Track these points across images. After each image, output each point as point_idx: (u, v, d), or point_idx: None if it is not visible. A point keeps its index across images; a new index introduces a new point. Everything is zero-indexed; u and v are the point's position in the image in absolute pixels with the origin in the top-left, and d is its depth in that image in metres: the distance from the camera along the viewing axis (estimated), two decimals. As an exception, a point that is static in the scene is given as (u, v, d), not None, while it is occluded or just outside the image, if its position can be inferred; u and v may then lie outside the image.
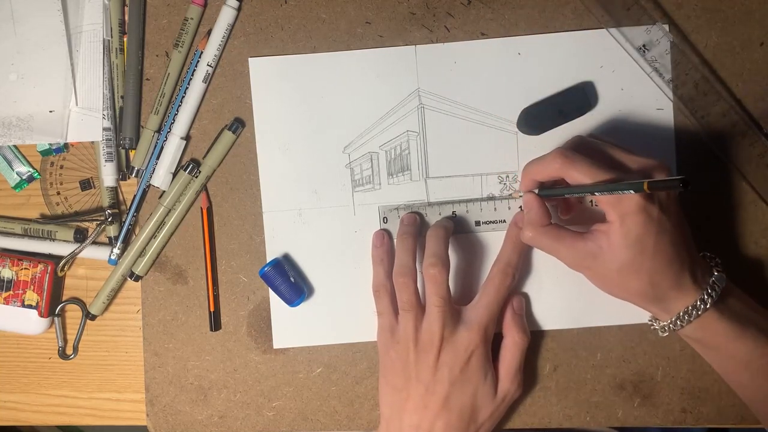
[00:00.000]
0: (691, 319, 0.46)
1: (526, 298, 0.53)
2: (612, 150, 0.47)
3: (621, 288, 0.47)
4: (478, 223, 0.53)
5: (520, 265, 0.51)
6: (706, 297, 0.46)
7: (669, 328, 0.47)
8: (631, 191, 0.42)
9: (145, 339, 0.55)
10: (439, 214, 0.53)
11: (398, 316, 0.50)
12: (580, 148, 0.47)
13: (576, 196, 0.49)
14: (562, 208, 0.52)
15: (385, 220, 0.54)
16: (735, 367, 0.48)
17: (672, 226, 0.45)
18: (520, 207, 0.53)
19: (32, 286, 0.54)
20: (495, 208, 0.53)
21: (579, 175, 0.45)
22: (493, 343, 0.50)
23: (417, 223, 0.52)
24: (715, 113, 0.51)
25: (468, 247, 0.53)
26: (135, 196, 0.54)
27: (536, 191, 0.49)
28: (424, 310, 0.49)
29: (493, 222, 0.53)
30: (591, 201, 0.52)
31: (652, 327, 0.50)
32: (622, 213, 0.44)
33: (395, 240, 0.53)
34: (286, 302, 0.53)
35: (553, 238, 0.47)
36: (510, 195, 0.53)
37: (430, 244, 0.50)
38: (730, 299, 0.47)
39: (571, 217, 0.52)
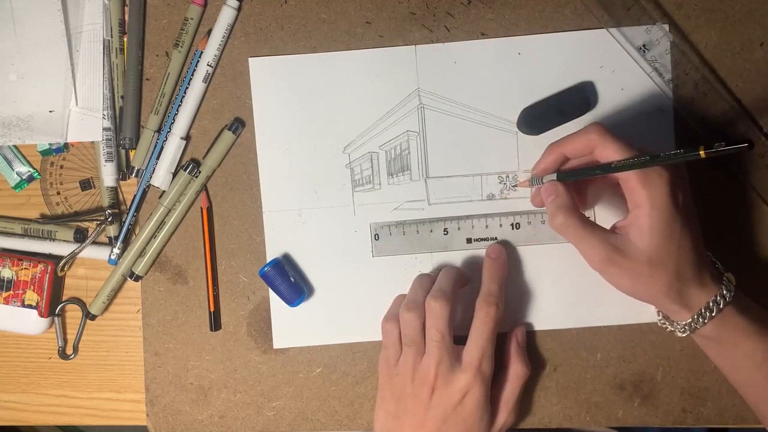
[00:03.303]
0: (713, 314, 0.45)
1: (527, 297, 0.53)
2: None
3: (649, 282, 0.45)
4: (469, 241, 0.53)
5: (502, 294, 0.50)
6: (724, 291, 0.45)
7: (690, 326, 0.46)
8: (679, 161, 0.41)
9: (145, 339, 0.55)
10: (431, 231, 0.53)
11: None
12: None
13: (599, 175, 0.47)
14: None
15: (377, 236, 0.53)
16: (749, 366, 0.47)
17: (693, 216, 0.45)
18: (515, 225, 0.53)
19: (32, 286, 0.54)
20: (486, 225, 0.53)
21: (613, 150, 0.45)
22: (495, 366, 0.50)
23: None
24: (715, 113, 0.51)
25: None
26: (135, 196, 0.54)
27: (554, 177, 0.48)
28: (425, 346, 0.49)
29: (485, 239, 0.53)
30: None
31: (667, 329, 0.49)
32: (651, 197, 0.44)
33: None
34: (286, 302, 0.53)
35: (585, 227, 0.46)
36: (514, 187, 0.53)
37: (439, 279, 0.50)
38: (743, 297, 0.47)
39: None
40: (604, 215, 0.52)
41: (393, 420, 0.49)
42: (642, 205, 0.44)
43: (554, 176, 0.49)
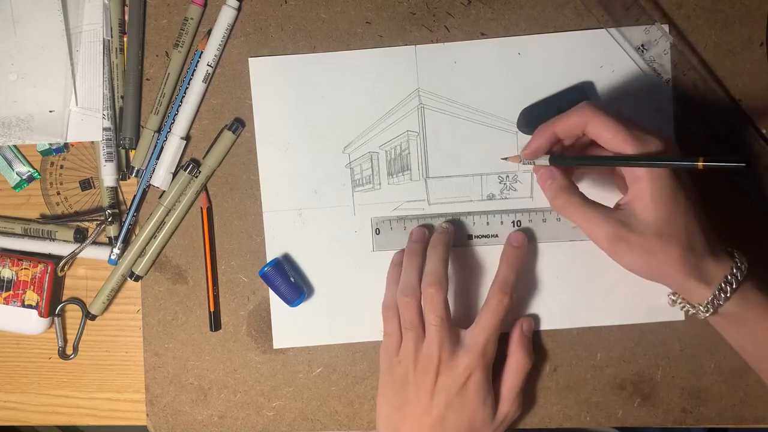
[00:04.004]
0: (734, 288, 0.44)
1: (527, 297, 0.53)
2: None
3: (662, 257, 0.43)
4: (470, 237, 0.53)
5: (516, 284, 0.50)
6: (739, 263, 0.44)
7: (713, 303, 0.44)
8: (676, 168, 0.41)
9: (145, 339, 0.55)
10: (432, 226, 0.53)
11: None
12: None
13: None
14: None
15: (377, 231, 0.53)
16: None
17: (692, 186, 0.44)
18: (510, 221, 0.53)
19: (32, 286, 0.54)
20: (487, 222, 0.53)
21: (604, 127, 0.44)
22: (497, 363, 0.50)
23: (426, 239, 0.52)
24: (713, 114, 0.52)
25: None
26: (135, 196, 0.54)
27: (547, 159, 0.47)
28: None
29: (486, 236, 0.53)
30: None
31: (689, 312, 0.47)
32: (650, 169, 0.43)
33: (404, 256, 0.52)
34: (286, 302, 0.53)
35: (588, 206, 0.45)
36: (512, 182, 0.52)
37: (429, 262, 0.50)
38: (754, 273, 0.45)
39: None
40: (594, 196, 0.50)
41: (396, 412, 0.49)
42: (641, 178, 0.43)
43: (546, 159, 0.48)
